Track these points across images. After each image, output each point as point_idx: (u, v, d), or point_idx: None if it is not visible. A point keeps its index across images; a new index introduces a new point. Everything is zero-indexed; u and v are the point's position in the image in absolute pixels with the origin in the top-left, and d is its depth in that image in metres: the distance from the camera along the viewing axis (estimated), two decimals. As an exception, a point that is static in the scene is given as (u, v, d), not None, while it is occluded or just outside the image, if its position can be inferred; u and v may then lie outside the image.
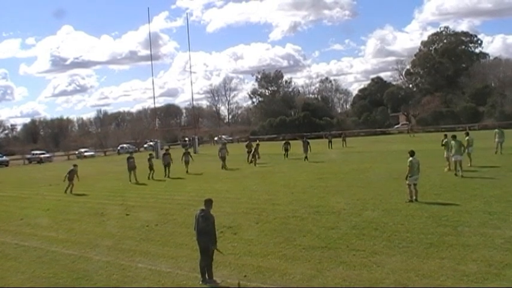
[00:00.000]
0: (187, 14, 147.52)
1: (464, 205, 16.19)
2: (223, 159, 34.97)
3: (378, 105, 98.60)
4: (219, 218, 16.68)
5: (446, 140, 25.02)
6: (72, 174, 27.94)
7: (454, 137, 23.41)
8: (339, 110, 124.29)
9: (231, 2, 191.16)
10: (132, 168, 31.06)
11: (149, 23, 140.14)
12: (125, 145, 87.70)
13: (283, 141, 43.92)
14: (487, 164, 25.52)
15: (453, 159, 22.90)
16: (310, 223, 15.38)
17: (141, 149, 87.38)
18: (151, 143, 76.69)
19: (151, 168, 31.97)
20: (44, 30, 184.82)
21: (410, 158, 17.53)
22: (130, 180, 30.48)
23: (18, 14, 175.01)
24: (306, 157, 36.26)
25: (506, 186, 19.01)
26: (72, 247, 14.77)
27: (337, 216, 15.93)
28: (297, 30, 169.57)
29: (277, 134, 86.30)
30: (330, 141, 51.85)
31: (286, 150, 40.18)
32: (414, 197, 17.22)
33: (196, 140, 65.81)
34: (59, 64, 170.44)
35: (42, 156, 73.23)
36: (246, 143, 44.24)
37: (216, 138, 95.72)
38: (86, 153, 77.52)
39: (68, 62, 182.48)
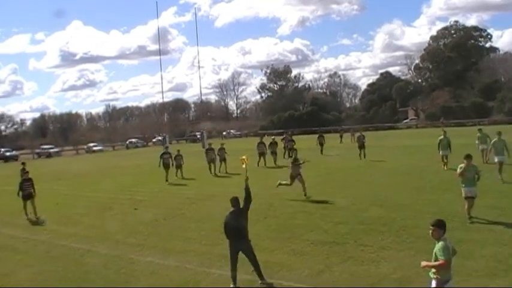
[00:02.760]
0: (195, 8, 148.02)
1: (474, 201, 16.10)
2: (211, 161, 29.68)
3: (387, 100, 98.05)
4: (226, 213, 16.76)
5: (441, 137, 23.99)
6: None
7: (499, 133, 21.18)
8: (348, 105, 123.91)
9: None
10: (167, 166, 28.00)
11: (158, 18, 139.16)
12: (133, 140, 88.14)
13: (318, 135, 39.79)
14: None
15: (496, 160, 20.33)
16: (318, 218, 15.37)
17: (150, 143, 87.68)
18: (159, 138, 76.91)
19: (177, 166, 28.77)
20: (53, 25, 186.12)
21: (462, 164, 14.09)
22: (166, 180, 27.22)
23: (28, 9, 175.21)
24: (321, 150, 36.20)
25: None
26: (80, 241, 14.86)
27: (345, 212, 15.91)
28: (305, 25, 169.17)
29: (286, 129, 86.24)
30: (342, 136, 52.02)
31: (321, 144, 37.66)
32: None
33: (205, 134, 65.88)
34: (68, 59, 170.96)
35: (51, 150, 73.63)
36: (283, 136, 39.24)
37: (224, 133, 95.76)
38: (94, 148, 77.95)
39: (77, 57, 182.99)
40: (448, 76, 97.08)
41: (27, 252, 14.19)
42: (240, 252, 10.20)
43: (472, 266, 10.09)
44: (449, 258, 7.52)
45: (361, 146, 31.21)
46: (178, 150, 29.45)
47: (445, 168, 23.03)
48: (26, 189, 19.19)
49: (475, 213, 13.88)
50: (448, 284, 7.48)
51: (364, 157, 30.39)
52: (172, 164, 28.38)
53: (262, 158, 31.53)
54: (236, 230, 10.13)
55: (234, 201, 10.38)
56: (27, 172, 21.92)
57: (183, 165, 29.10)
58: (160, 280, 10.71)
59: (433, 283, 7.56)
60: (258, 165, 30.47)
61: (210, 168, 29.36)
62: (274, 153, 32.16)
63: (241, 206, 10.40)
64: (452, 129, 59.85)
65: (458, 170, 14.06)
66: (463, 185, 13.95)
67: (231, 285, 10.08)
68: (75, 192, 25.67)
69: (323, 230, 13.98)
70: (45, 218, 18.53)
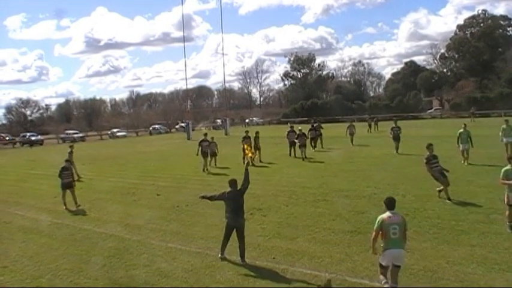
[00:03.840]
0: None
1: (497, 192, 15.88)
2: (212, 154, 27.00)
3: (411, 89, 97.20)
4: (249, 200, 16.76)
5: (461, 130, 22.85)
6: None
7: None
8: (371, 94, 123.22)
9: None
10: (206, 154, 26.14)
11: (182, 4, 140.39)
12: (156, 126, 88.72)
13: (348, 124, 36.95)
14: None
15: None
16: (340, 207, 15.33)
17: (173, 130, 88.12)
18: (182, 124, 77.23)
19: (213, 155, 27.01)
20: (78, 11, 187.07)
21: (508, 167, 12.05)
22: (203, 170, 25.62)
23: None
24: (352, 140, 34.91)
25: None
26: (103, 225, 15.02)
27: (367, 201, 15.85)
28: (330, 13, 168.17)
29: (309, 117, 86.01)
30: (370, 125, 51.52)
31: (352, 134, 35.29)
32: None
33: (228, 122, 66.02)
34: (92, 45, 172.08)
35: (76, 135, 74.33)
36: (316, 125, 36.07)
37: (247, 121, 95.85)
38: (118, 134, 78.70)
39: (101, 43, 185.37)
40: (474, 66, 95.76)
41: (51, 235, 14.38)
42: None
43: (494, 258, 9.99)
44: None
45: (396, 138, 28.56)
46: (212, 138, 27.42)
47: (465, 163, 22.17)
48: (65, 178, 18.19)
49: (499, 206, 13.72)
50: None
51: (398, 151, 28.06)
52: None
53: (293, 147, 29.51)
54: (234, 207, 10.93)
55: (233, 182, 11.24)
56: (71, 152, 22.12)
57: (218, 153, 27.32)
58: (181, 265, 10.78)
59: None
60: (291, 155, 29.32)
61: (244, 158, 25.51)
62: (303, 145, 28.74)
63: (238, 188, 11.21)
64: (477, 120, 59.21)
65: (503, 175, 11.97)
66: (510, 191, 11.89)
67: (219, 255, 11.08)
68: (98, 177, 25.92)
69: (345, 218, 13.95)
70: (85, 208, 17.84)
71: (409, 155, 26.33)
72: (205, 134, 28.02)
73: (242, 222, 11.03)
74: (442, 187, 15.36)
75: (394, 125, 29.47)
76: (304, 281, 9.55)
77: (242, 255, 10.86)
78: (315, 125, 35.66)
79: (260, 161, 27.95)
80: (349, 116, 74.15)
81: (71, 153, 25.78)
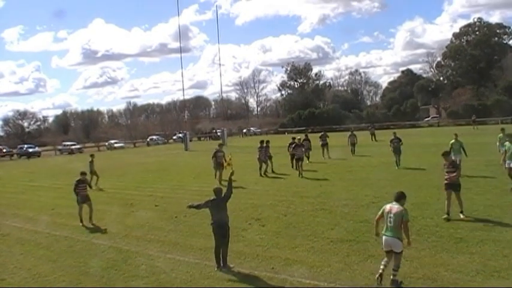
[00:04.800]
0: (216, 6, 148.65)
1: (495, 200, 15.95)
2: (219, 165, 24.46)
3: (408, 97, 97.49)
4: (247, 210, 16.81)
5: (453, 141, 21.30)
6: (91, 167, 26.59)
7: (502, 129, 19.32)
8: (369, 103, 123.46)
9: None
10: (220, 165, 23.96)
11: (179, 15, 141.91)
12: (154, 137, 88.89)
13: (349, 134, 36.53)
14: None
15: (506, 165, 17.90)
16: (339, 216, 15.32)
17: (170, 140, 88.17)
18: (180, 135, 77.30)
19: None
20: (75, 23, 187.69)
21: None
22: (220, 181, 23.21)
23: (51, 7, 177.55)
24: (352, 150, 34.52)
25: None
26: (102, 237, 14.99)
27: (366, 210, 15.82)
28: (326, 23, 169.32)
29: (306, 127, 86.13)
30: (373, 134, 51.03)
31: (353, 144, 34.91)
32: None
33: (225, 132, 66.05)
34: (90, 57, 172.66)
35: (73, 147, 74.34)
36: (321, 134, 35.53)
37: (244, 131, 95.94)
38: (115, 145, 78.74)
39: (98, 55, 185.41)
40: (471, 74, 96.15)
41: (49, 247, 14.33)
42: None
43: (494, 266, 9.98)
44: None
45: (397, 151, 26.02)
46: (220, 144, 26.38)
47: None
48: (81, 192, 17.25)
49: (497, 213, 13.73)
50: None
51: (398, 165, 25.52)
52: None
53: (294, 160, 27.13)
54: (218, 213, 11.23)
55: (218, 191, 11.56)
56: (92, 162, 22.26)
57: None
58: (180, 276, 10.75)
59: None
60: (293, 167, 27.40)
61: (260, 168, 26.49)
62: (300, 159, 25.93)
63: (222, 196, 11.50)
64: (480, 127, 59.42)
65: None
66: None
67: (215, 269, 11.03)
68: (96, 188, 25.84)
69: (343, 228, 13.93)
70: (85, 218, 17.17)
71: (407, 164, 26.27)
72: (220, 145, 26.84)
73: (227, 222, 11.28)
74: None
75: (393, 137, 26.89)
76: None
77: (224, 262, 11.05)
78: (321, 133, 35.58)
79: (272, 171, 27.07)
80: (347, 125, 74.29)
81: (91, 162, 26.44)
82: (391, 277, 9.33)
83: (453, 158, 20.79)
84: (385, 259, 9.52)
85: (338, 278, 10.02)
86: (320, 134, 35.47)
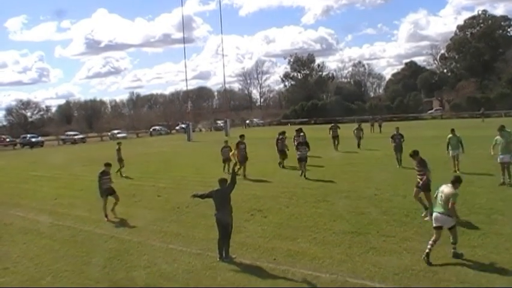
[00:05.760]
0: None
1: (498, 193, 15.94)
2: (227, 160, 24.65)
3: (411, 90, 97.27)
4: (250, 201, 16.81)
5: (450, 135, 20.95)
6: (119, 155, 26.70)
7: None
8: (372, 95, 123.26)
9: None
10: (229, 159, 24.18)
11: (182, 6, 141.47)
12: (157, 127, 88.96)
13: (356, 127, 35.20)
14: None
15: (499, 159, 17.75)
16: (341, 208, 15.32)
17: (173, 131, 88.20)
18: (183, 126, 77.28)
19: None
20: (79, 13, 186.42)
21: None
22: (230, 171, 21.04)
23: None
24: (358, 144, 33.37)
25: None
26: (104, 227, 15.05)
27: (367, 202, 15.83)
28: (330, 14, 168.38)
29: (309, 118, 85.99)
30: (380, 125, 50.92)
31: (359, 138, 33.68)
32: None
33: (228, 123, 65.96)
34: (93, 47, 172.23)
35: (76, 137, 74.46)
36: (331, 125, 34.58)
37: (247, 122, 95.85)
38: (118, 135, 78.51)
39: (102, 45, 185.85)
40: (475, 66, 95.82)
41: (52, 236, 14.39)
42: None
43: (496, 259, 9.98)
44: None
45: (398, 148, 23.93)
46: (226, 141, 26.13)
47: (457, 171, 19.85)
48: (105, 184, 16.48)
49: (499, 207, 13.72)
50: None
51: (400, 163, 23.45)
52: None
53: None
54: (222, 203, 11.25)
55: (223, 181, 11.58)
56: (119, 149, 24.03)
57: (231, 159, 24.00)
58: (182, 267, 10.78)
59: None
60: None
61: (280, 163, 25.91)
62: (303, 159, 22.76)
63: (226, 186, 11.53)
64: (477, 120, 59.28)
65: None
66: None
67: (218, 259, 11.09)
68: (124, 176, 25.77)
69: (345, 219, 13.94)
70: (86, 209, 17.34)
71: (409, 157, 26.11)
72: (226, 141, 26.21)
73: (230, 220, 11.30)
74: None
75: (395, 132, 24.85)
76: (305, 282, 9.55)
77: (226, 252, 11.17)
78: (331, 124, 34.60)
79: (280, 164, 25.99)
80: (350, 116, 74.14)
81: (118, 150, 26.82)
82: (452, 250, 10.36)
83: (451, 153, 20.77)
84: (433, 237, 10.37)
85: (340, 269, 10.04)
86: (330, 125, 34.61)
